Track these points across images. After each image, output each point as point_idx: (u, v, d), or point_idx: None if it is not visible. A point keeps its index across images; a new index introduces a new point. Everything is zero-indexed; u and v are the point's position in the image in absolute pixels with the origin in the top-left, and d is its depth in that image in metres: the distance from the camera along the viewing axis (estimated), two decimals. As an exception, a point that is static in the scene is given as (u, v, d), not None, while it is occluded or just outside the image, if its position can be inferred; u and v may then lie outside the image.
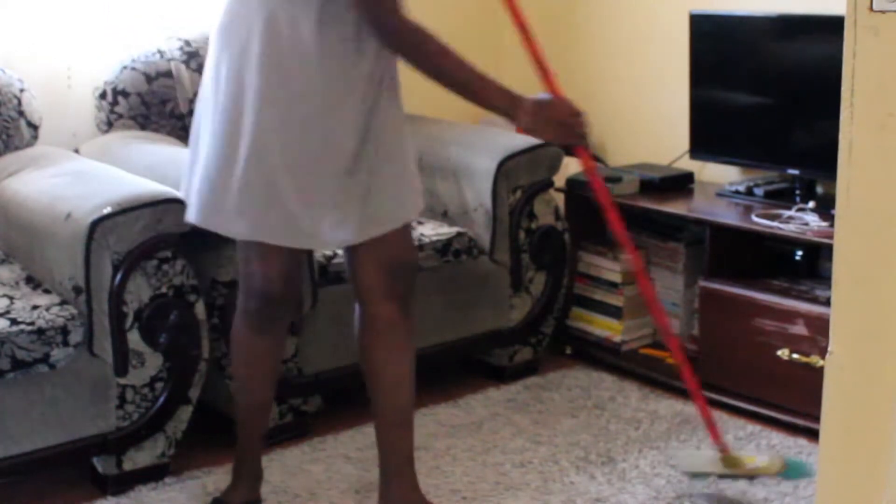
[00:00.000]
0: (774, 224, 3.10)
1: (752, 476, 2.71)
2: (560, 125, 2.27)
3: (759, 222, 3.13)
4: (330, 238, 2.27)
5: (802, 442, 2.95)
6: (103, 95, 3.26)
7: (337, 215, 2.23)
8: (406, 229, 2.39)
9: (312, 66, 2.18)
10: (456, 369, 3.41)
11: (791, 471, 2.72)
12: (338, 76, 2.19)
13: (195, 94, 3.27)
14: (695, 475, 2.73)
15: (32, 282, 2.69)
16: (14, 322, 2.46)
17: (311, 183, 2.22)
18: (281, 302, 2.43)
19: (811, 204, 3.19)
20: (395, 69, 2.28)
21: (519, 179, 3.30)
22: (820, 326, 2.95)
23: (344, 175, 2.22)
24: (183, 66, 3.30)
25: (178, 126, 3.28)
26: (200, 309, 2.68)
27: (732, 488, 2.70)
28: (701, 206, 3.42)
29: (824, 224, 3.05)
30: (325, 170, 2.22)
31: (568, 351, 3.62)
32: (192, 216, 2.36)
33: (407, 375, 2.45)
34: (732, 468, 2.71)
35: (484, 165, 3.27)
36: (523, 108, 2.21)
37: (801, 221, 3.10)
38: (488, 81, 2.20)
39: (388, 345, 2.41)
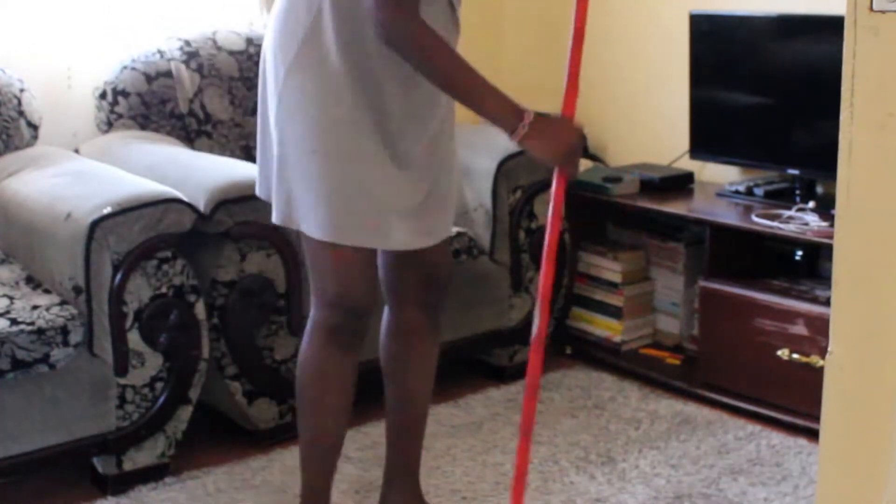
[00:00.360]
0: (774, 224, 3.10)
1: None
2: (561, 146, 2.11)
3: (759, 222, 3.13)
4: (400, 239, 2.19)
5: (802, 442, 2.95)
6: (103, 95, 3.26)
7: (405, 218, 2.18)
8: (448, 241, 2.37)
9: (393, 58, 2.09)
10: (456, 369, 3.41)
11: None
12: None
13: (195, 94, 3.30)
14: None
15: (32, 282, 2.69)
16: (14, 322, 2.46)
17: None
18: (366, 313, 2.26)
19: (811, 204, 3.19)
20: None
21: (519, 179, 3.30)
22: (820, 326, 2.95)
23: (419, 178, 2.19)
24: (183, 66, 3.30)
25: (178, 126, 3.28)
26: (200, 309, 2.68)
27: (733, 488, 2.70)
28: (701, 206, 3.42)
29: (824, 224, 3.05)
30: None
31: (568, 351, 3.62)
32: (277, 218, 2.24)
33: (428, 386, 2.44)
34: None
35: (484, 165, 3.27)
36: (525, 122, 2.06)
37: (801, 221, 3.10)
38: (491, 88, 2.07)
39: (415, 355, 2.40)
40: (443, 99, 2.21)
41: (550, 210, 2.20)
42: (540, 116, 2.08)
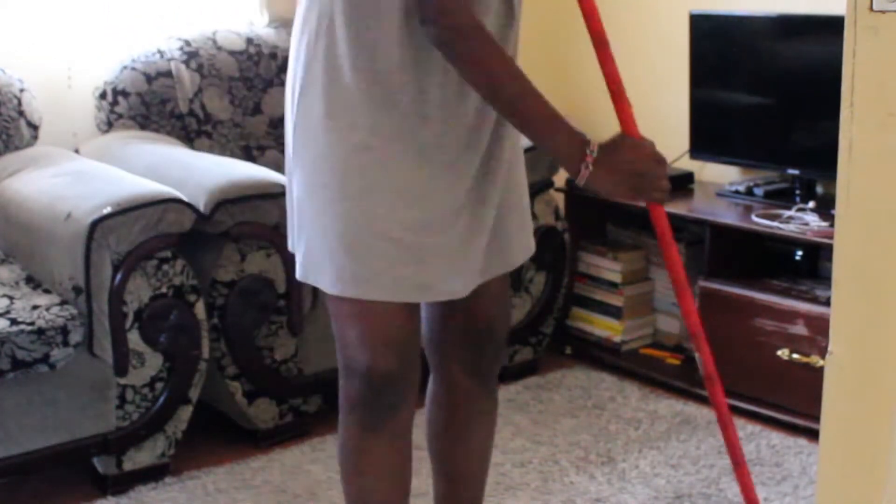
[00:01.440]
0: (774, 224, 3.10)
1: None
2: (633, 176, 1.73)
3: (759, 222, 3.13)
4: (445, 288, 1.83)
5: (802, 442, 2.95)
6: (103, 95, 3.26)
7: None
8: (505, 285, 2.00)
9: None
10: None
11: None
12: None
13: (195, 94, 3.30)
14: None
15: (32, 282, 2.69)
16: (14, 322, 2.47)
17: None
18: (404, 381, 1.86)
19: (811, 204, 3.19)
20: None
21: (519, 179, 3.30)
22: (820, 326, 2.95)
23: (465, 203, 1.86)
24: (183, 66, 3.30)
25: (178, 126, 3.28)
26: (200, 309, 2.68)
27: (733, 488, 2.70)
28: (701, 206, 3.42)
29: (824, 224, 3.05)
30: None
31: (568, 351, 3.62)
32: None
33: (483, 470, 2.08)
34: None
35: (484, 165, 3.27)
36: (588, 160, 1.69)
37: (801, 221, 3.10)
38: (557, 119, 1.71)
39: (464, 428, 2.03)
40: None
41: (664, 244, 1.85)
42: (603, 146, 1.72)
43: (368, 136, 1.73)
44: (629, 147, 1.74)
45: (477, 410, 2.02)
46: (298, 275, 1.85)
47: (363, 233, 1.73)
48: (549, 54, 4.07)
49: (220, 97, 3.34)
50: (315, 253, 1.79)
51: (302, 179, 1.79)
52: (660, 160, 1.75)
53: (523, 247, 1.95)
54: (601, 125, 3.97)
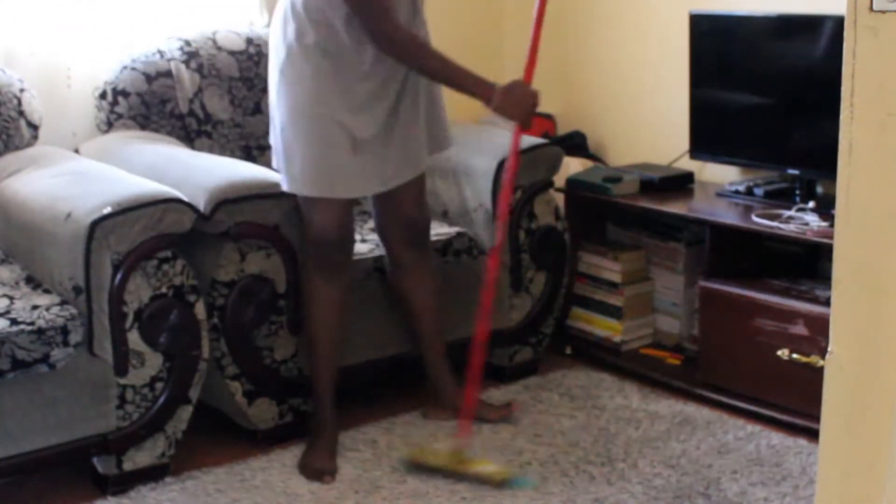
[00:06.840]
0: (774, 224, 3.10)
1: (475, 479, 2.71)
2: (524, 107, 2.75)
3: (759, 222, 3.13)
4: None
5: (802, 442, 2.95)
6: (103, 95, 3.26)
7: None
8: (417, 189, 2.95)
9: None
10: (456, 369, 3.41)
11: (513, 484, 2.70)
12: None
13: (195, 94, 3.30)
14: (413, 467, 2.77)
15: (32, 282, 2.69)
16: (14, 322, 2.47)
17: None
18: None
19: (811, 204, 3.19)
20: None
21: (519, 179, 3.29)
22: (820, 326, 2.95)
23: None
24: (183, 66, 3.30)
25: (178, 126, 3.28)
26: (200, 309, 2.68)
27: (733, 488, 2.70)
28: (701, 206, 3.42)
29: (824, 224, 3.05)
30: None
31: (568, 351, 3.62)
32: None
33: (430, 302, 3.06)
34: (455, 466, 2.74)
35: (484, 165, 3.27)
36: (496, 92, 2.68)
37: (801, 221, 3.10)
38: (467, 73, 2.68)
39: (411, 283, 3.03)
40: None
41: (510, 153, 2.86)
42: (503, 86, 2.69)
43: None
44: (522, 88, 2.76)
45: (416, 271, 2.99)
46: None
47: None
48: (550, 56, 4.07)
49: (220, 97, 3.34)
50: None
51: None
52: (536, 98, 2.77)
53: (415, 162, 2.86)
54: (601, 122, 3.98)
